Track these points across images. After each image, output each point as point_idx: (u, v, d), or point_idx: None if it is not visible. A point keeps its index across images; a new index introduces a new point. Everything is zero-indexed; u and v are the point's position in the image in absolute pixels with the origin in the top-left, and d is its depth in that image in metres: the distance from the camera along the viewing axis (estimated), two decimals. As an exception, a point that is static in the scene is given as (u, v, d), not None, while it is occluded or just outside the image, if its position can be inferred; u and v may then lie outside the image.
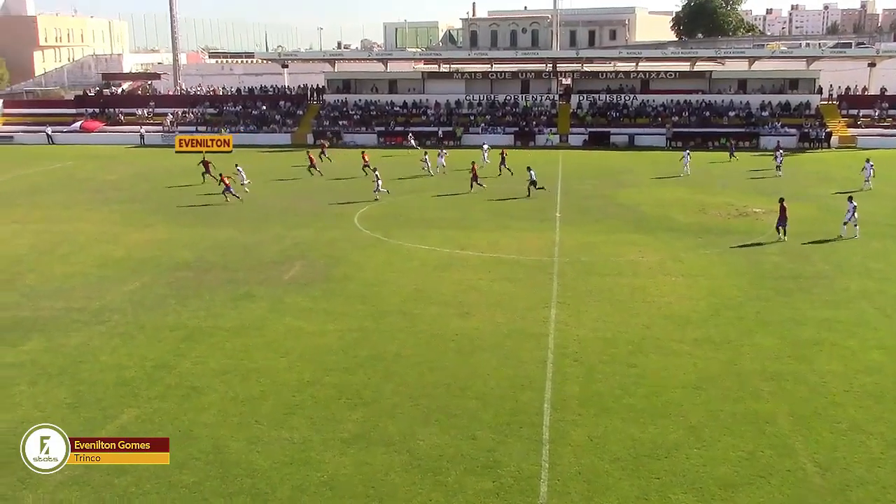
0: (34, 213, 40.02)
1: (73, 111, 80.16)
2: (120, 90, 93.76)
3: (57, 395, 18.19)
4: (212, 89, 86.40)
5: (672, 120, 70.21)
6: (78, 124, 77.09)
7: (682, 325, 22.54)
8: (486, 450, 15.43)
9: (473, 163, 46.44)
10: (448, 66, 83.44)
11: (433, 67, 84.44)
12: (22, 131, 76.60)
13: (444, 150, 54.33)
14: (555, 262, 29.37)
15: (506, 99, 75.57)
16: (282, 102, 78.89)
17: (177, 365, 19.93)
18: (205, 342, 21.49)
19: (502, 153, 51.53)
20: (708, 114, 71.21)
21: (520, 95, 75.95)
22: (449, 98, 75.82)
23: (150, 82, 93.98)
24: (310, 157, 51.86)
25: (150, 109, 79.27)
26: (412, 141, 65.64)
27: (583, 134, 69.94)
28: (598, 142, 68.40)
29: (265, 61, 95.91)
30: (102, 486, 14.22)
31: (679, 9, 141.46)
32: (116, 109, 79.67)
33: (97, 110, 79.66)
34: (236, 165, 45.75)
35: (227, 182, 42.18)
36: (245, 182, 44.02)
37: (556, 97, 75.54)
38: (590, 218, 37.74)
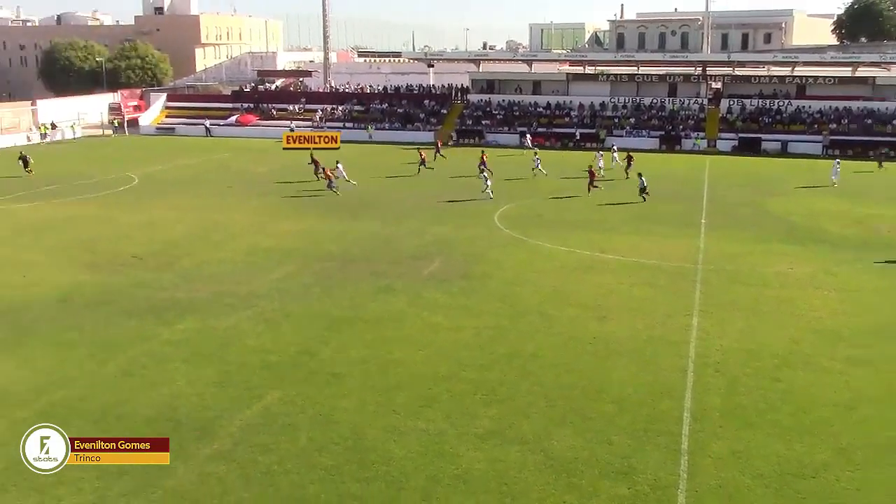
0: (193, 201, 42.22)
1: (230, 106, 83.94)
2: (273, 86, 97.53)
3: (207, 373, 19.12)
4: (360, 87, 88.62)
5: (829, 127, 66.76)
6: (234, 118, 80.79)
7: (834, 341, 21.43)
8: (621, 455, 15.17)
9: (590, 166, 45.62)
10: (593, 67, 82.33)
11: (578, 69, 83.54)
12: (182, 123, 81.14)
13: (601, 153, 53.11)
14: (698, 270, 28.52)
15: (652, 102, 73.94)
16: (426, 101, 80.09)
17: (319, 352, 20.59)
18: (346, 331, 22.09)
19: (628, 156, 50.50)
20: (870, 122, 67.23)
21: (666, 99, 74.13)
22: (593, 100, 74.87)
23: (301, 79, 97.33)
24: (421, 155, 52.60)
25: (301, 105, 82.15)
26: (528, 141, 64.55)
27: (732, 139, 67.47)
28: (749, 148, 65.77)
29: (412, 61, 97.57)
30: (248, 462, 14.86)
31: (841, 11, 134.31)
32: (269, 105, 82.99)
33: (252, 105, 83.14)
34: (336, 162, 46.98)
35: (331, 176, 44.13)
36: (344, 176, 45.65)
37: (705, 101, 73.33)
38: (737, 226, 36.36)
